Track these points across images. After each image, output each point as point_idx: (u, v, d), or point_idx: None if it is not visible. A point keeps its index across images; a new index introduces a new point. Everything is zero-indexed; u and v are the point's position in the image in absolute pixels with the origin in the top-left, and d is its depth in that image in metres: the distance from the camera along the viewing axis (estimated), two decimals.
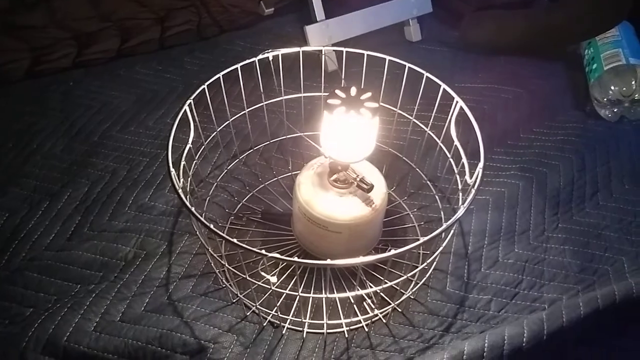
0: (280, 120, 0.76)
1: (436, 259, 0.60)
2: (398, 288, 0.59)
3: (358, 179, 0.58)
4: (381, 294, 0.59)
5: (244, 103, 0.69)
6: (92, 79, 0.88)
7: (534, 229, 0.68)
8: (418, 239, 0.49)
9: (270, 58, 0.64)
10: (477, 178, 0.54)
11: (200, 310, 0.57)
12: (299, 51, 0.65)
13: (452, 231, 0.65)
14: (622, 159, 0.78)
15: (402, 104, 0.69)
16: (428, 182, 0.72)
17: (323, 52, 0.72)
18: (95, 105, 0.83)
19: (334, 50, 0.74)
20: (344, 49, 0.66)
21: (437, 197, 0.71)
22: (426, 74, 0.63)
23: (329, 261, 0.47)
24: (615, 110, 0.84)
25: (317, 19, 0.90)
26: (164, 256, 0.63)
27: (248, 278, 0.52)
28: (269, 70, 0.66)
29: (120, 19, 0.95)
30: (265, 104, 0.69)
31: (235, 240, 0.46)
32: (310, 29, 0.89)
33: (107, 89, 0.87)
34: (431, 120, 0.67)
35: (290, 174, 0.73)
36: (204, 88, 0.61)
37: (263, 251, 0.46)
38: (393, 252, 0.48)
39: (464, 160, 0.59)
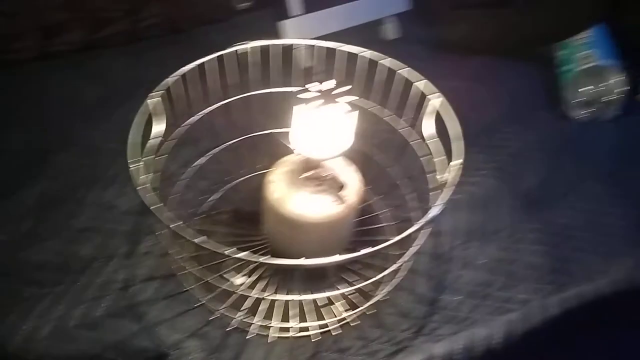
0: (250, 116, 0.73)
1: (408, 260, 0.59)
2: (368, 290, 0.58)
3: (330, 177, 0.56)
4: (350, 296, 0.57)
5: (213, 98, 0.66)
6: (57, 71, 0.84)
7: (506, 229, 0.68)
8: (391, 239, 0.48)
9: (240, 52, 0.62)
10: (450, 176, 0.52)
11: (161, 314, 0.55)
12: (269, 45, 0.63)
13: (424, 231, 0.63)
14: (594, 160, 0.78)
15: (376, 101, 0.67)
16: (403, 180, 0.71)
17: (293, 47, 0.69)
18: (59, 99, 0.80)
19: (306, 45, 0.71)
20: (315, 43, 0.64)
21: (410, 196, 0.69)
22: (399, 71, 0.62)
23: (295, 261, 0.45)
24: (587, 111, 0.85)
25: (292, 14, 0.88)
26: (125, 258, 0.60)
27: (211, 281, 0.50)
28: (240, 65, 0.63)
29: (90, 9, 0.91)
30: (235, 99, 0.66)
31: (196, 241, 0.44)
32: (284, 25, 0.87)
33: (72, 82, 0.83)
34: (402, 117, 0.66)
35: (261, 172, 0.70)
36: (169, 81, 0.58)
37: (226, 252, 0.44)
38: (363, 252, 0.47)
39: (438, 158, 0.58)
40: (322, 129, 0.52)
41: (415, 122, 0.63)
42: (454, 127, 0.57)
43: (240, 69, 0.64)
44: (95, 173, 0.69)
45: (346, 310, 0.56)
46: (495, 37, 0.97)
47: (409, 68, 0.63)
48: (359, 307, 0.56)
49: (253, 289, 0.55)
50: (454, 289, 0.61)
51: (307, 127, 0.53)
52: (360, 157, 0.70)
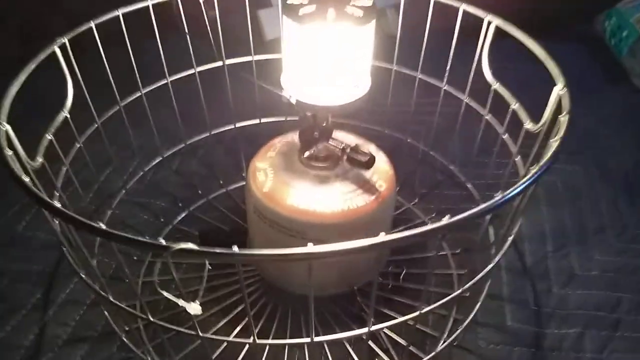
0: (226, 102, 0.50)
1: (482, 279, 0.36)
2: (429, 331, 0.35)
3: (348, 150, 0.35)
4: (401, 340, 0.34)
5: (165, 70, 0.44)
6: None
7: (613, 226, 0.46)
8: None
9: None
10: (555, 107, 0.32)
11: None
12: None
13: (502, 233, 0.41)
14: None
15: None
16: (451, 167, 0.49)
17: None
18: None
19: None
20: None
21: (468, 186, 0.47)
22: None
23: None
24: None
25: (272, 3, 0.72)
26: (37, 310, 0.38)
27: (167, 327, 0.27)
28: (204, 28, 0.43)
29: None
30: (198, 71, 0.46)
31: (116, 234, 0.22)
32: (263, 13, 0.71)
33: None
34: (446, 77, 0.45)
35: (243, 182, 0.49)
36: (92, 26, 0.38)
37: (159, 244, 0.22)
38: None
39: (514, 105, 0.37)
40: (327, 54, 0.32)
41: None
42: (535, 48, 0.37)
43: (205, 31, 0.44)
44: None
45: None
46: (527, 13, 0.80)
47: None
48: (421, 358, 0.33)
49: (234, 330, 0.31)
50: (563, 317, 0.38)
51: (305, 55, 0.32)
52: (382, 146, 0.49)
